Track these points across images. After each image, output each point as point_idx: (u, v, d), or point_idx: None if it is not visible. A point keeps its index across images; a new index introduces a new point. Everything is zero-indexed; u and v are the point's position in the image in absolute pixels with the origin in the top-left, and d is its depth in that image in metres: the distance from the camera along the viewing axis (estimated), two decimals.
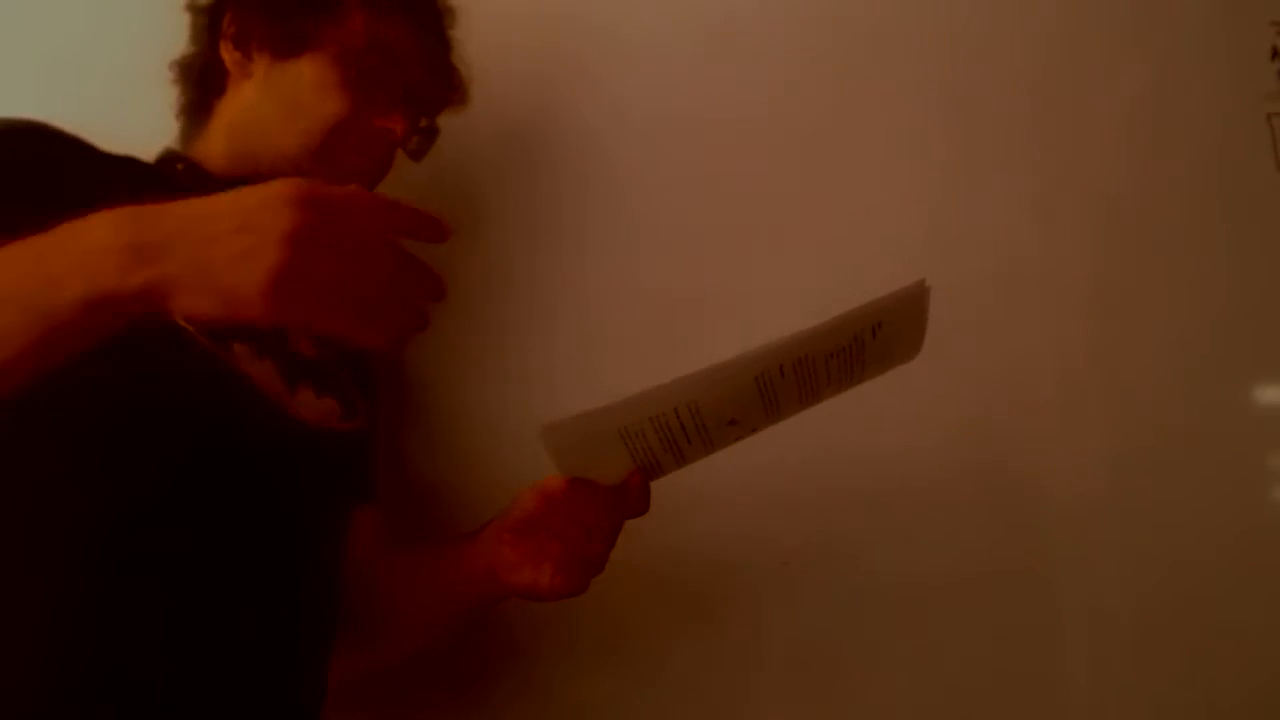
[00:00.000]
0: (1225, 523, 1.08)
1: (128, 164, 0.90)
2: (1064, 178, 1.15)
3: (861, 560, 1.09)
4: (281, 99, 0.94)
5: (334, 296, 0.58)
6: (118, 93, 1.14)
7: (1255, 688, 1.04)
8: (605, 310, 1.16)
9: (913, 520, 1.09)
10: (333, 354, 0.95)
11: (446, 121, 1.05)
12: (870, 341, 0.77)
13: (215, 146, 0.97)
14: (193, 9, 1.01)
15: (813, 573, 1.09)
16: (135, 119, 0.98)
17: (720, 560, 1.11)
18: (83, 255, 0.59)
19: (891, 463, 1.10)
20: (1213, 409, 1.09)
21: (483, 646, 1.09)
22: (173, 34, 1.02)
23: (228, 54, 0.97)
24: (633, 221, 1.18)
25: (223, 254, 0.57)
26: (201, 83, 1.00)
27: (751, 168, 1.18)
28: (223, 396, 0.81)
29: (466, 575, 0.89)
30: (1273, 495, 1.09)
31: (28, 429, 0.72)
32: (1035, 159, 1.16)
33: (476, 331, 1.17)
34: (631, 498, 0.81)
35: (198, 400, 0.80)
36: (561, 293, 1.17)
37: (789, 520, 1.09)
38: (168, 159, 0.98)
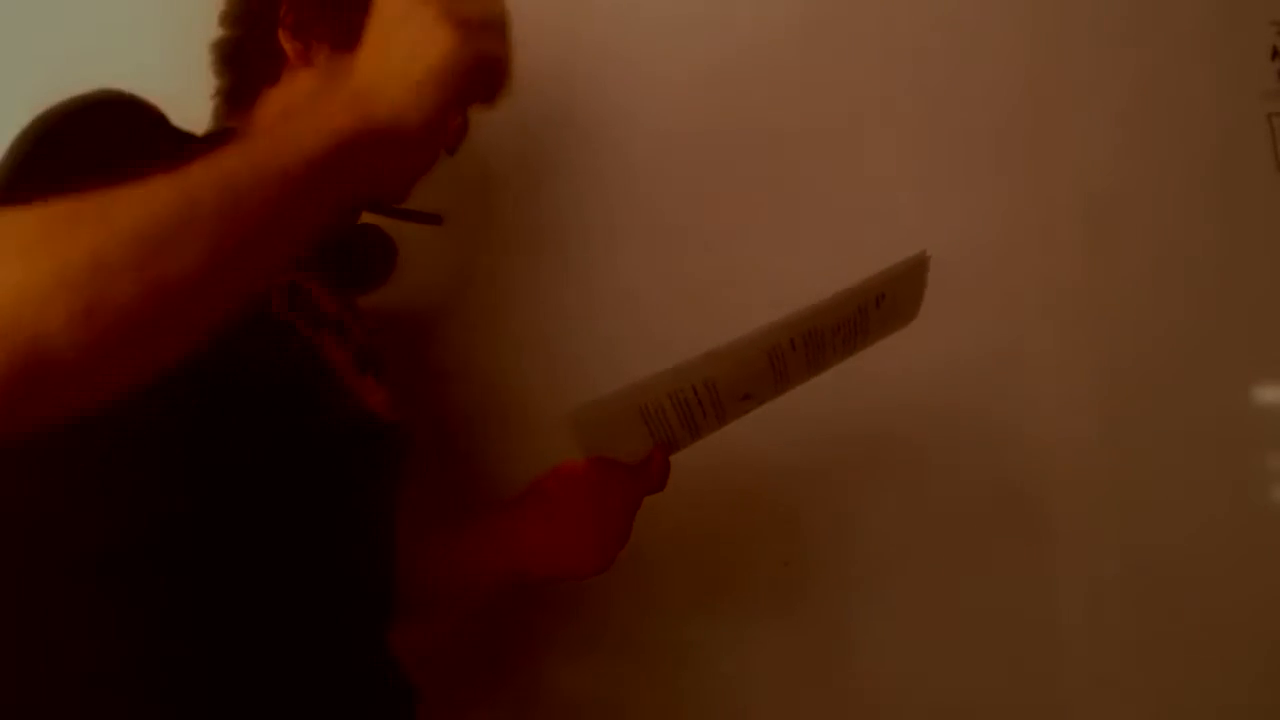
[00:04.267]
0: (1222, 521, 1.08)
1: (196, 141, 0.87)
2: (1063, 177, 1.15)
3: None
4: None
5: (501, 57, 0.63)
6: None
7: (1253, 681, 1.05)
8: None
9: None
10: (377, 345, 0.96)
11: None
12: (874, 311, 0.82)
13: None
14: None
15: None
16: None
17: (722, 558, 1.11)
18: (311, 117, 0.61)
19: (891, 465, 1.10)
20: (1212, 409, 1.10)
21: (480, 640, 1.09)
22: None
23: (288, 43, 0.93)
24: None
25: (400, 53, 0.61)
26: (249, 68, 0.96)
27: (750, 169, 1.18)
28: (318, 386, 0.81)
29: (489, 561, 0.91)
30: (1271, 494, 1.09)
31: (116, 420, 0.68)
32: (1034, 158, 1.16)
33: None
34: (654, 474, 0.84)
35: (295, 388, 0.79)
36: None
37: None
38: (221, 138, 0.95)
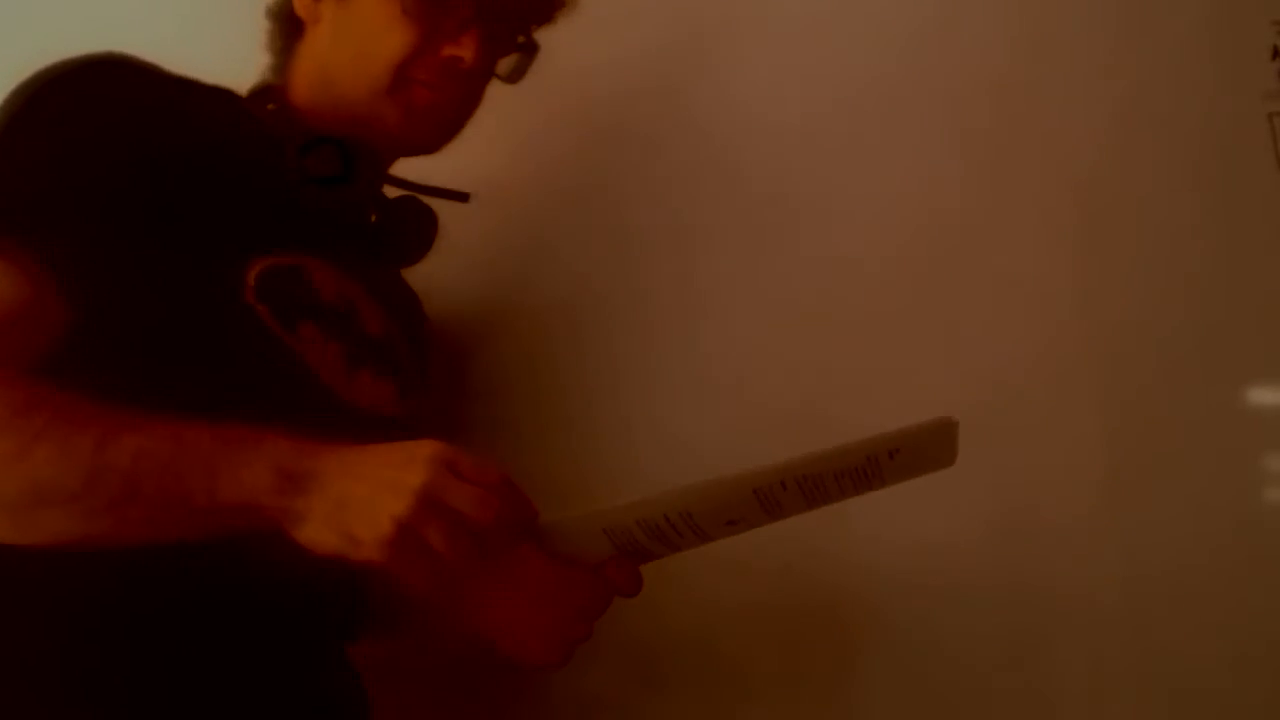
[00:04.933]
0: (1221, 523, 1.08)
1: (218, 98, 0.89)
2: (1062, 177, 1.15)
3: None
4: (349, 42, 0.91)
5: (438, 562, 0.63)
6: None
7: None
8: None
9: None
10: (398, 330, 0.94)
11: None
12: (887, 461, 0.76)
13: (300, 90, 0.95)
14: None
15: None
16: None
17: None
18: (244, 468, 0.65)
19: None
20: (1212, 409, 1.09)
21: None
22: None
23: (298, 0, 0.94)
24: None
25: (357, 496, 0.63)
26: (284, 25, 0.98)
27: (751, 167, 1.18)
28: (279, 383, 0.80)
29: (458, 618, 0.87)
30: (1269, 496, 1.09)
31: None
32: (1032, 158, 1.16)
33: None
34: (619, 583, 0.80)
35: (251, 385, 0.78)
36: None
37: None
38: (260, 95, 0.95)
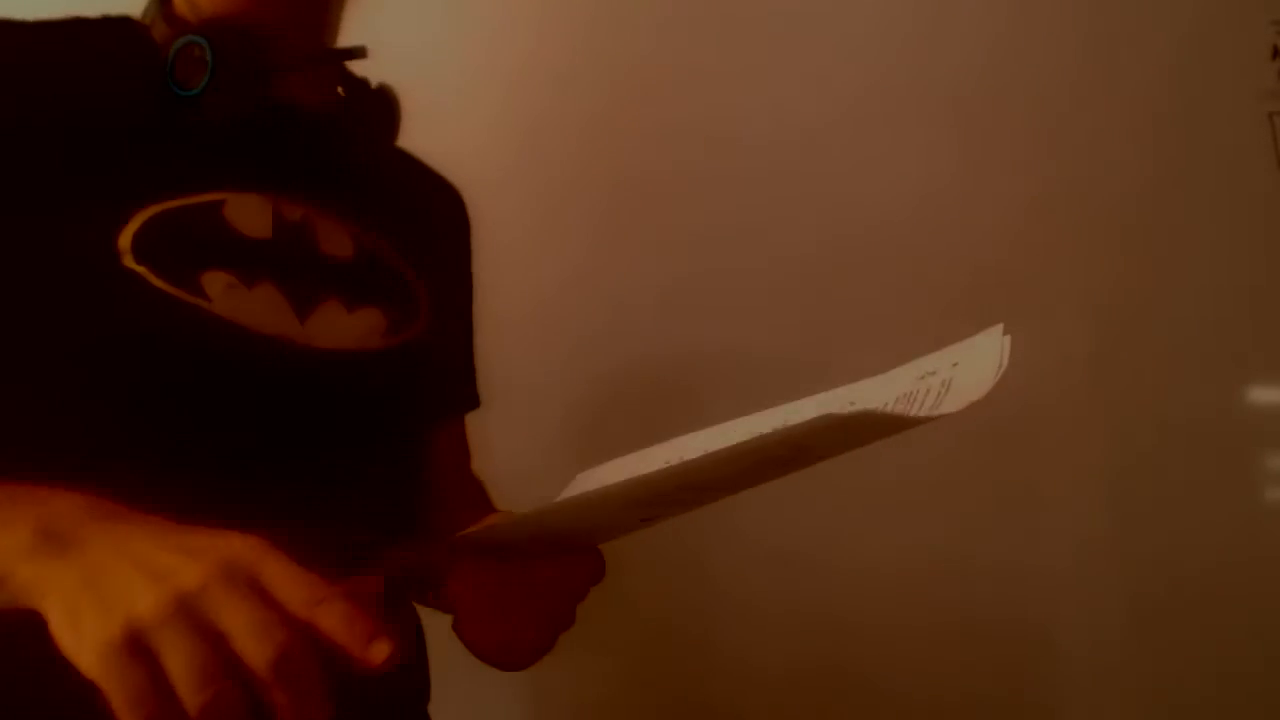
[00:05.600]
0: (1220, 521, 1.08)
1: (106, 32, 0.74)
2: (1064, 177, 1.15)
3: None
4: None
5: (163, 701, 0.44)
6: None
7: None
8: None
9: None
10: (385, 246, 0.77)
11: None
12: (805, 451, 0.61)
13: None
14: None
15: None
16: None
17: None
18: (3, 528, 0.51)
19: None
20: (1212, 407, 1.09)
21: None
22: None
23: None
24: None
25: (109, 576, 0.47)
26: None
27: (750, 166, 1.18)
28: (180, 358, 0.65)
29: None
30: (1271, 494, 1.09)
31: None
32: (1035, 158, 1.16)
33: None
34: (580, 576, 0.69)
35: (141, 370, 0.64)
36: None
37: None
38: (152, 8, 0.78)
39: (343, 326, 0.72)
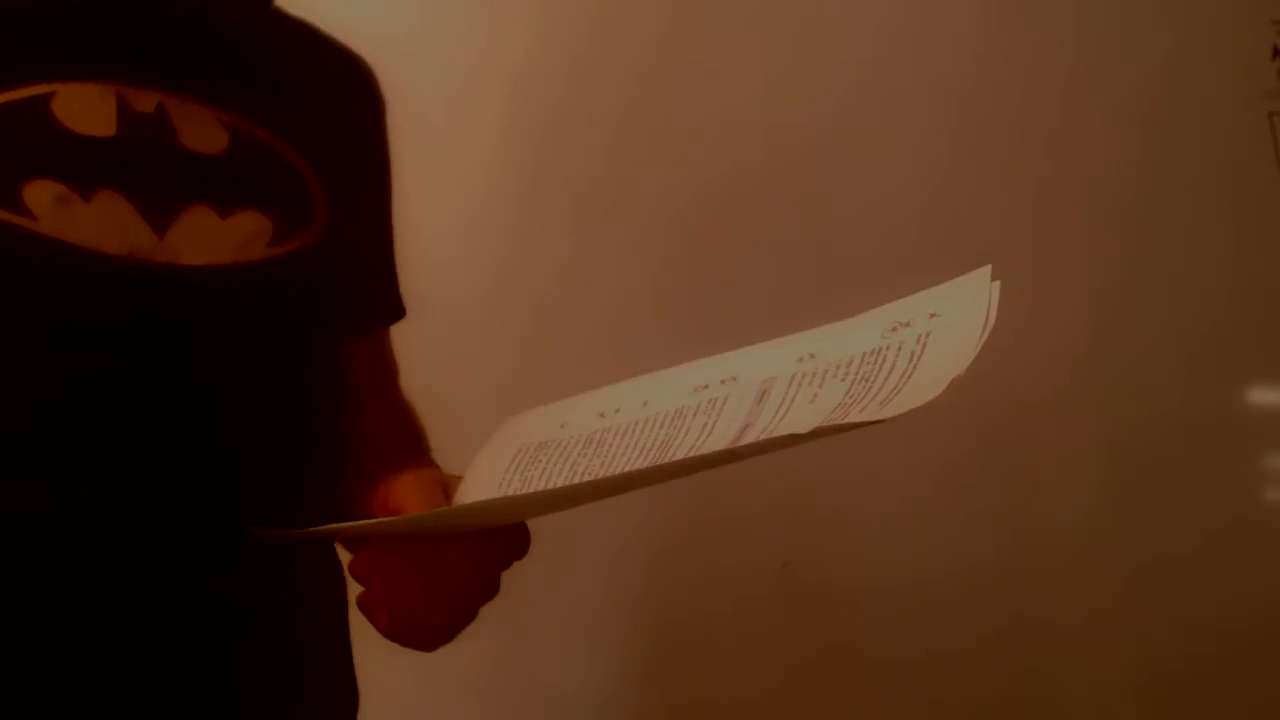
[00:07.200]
0: (1220, 520, 1.08)
1: None
2: (1065, 175, 1.15)
3: None
4: None
5: None
6: None
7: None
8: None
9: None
10: (268, 134, 0.65)
11: None
12: (739, 458, 0.55)
13: None
14: None
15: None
16: None
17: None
18: None
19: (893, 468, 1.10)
20: (1212, 406, 1.09)
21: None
22: None
23: None
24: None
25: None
26: None
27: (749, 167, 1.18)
28: (3, 283, 0.55)
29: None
30: (1271, 494, 1.09)
31: None
32: (1036, 157, 1.16)
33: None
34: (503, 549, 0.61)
35: None
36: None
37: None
38: None
39: (215, 237, 0.60)
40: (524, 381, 1.15)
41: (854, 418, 0.47)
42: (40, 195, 0.54)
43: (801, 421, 0.51)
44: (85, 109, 0.58)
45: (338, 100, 0.72)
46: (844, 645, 1.07)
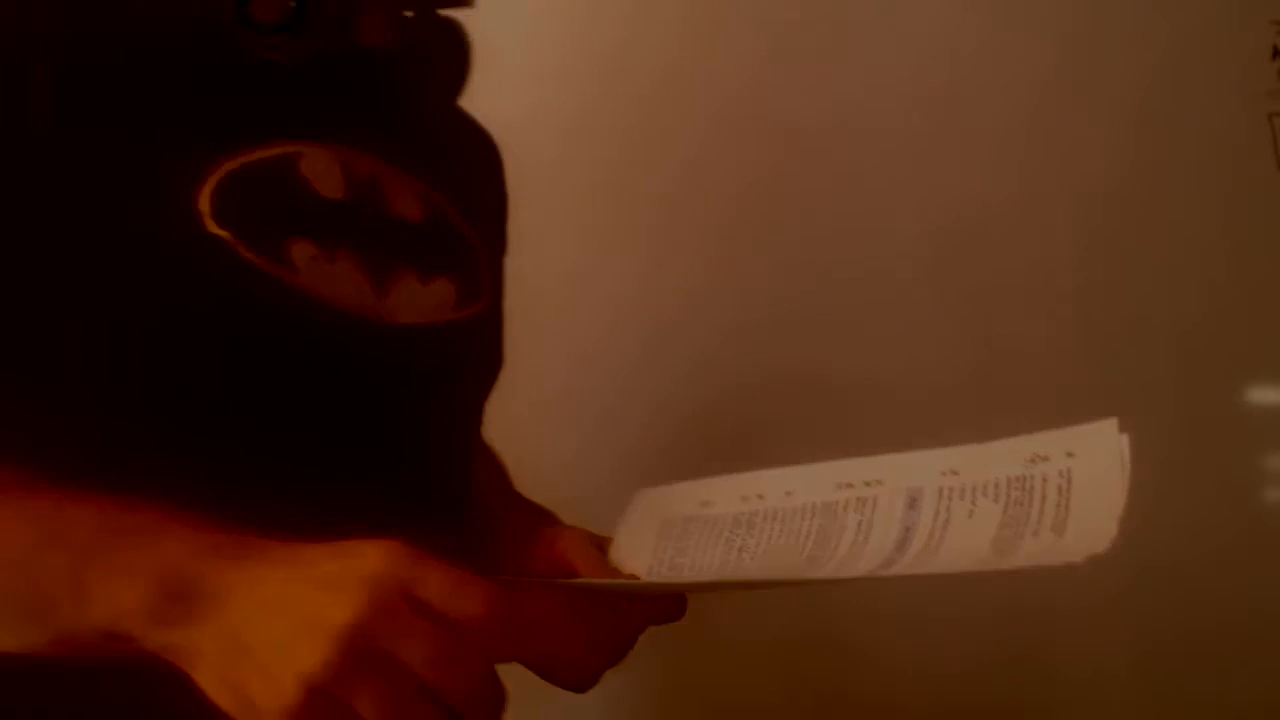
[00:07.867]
0: (1220, 521, 1.08)
1: None
2: (1063, 176, 1.15)
3: None
4: None
5: None
6: None
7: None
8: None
9: None
10: (450, 204, 0.69)
11: None
12: None
13: None
14: None
15: None
16: None
17: None
18: (122, 575, 0.47)
19: None
20: (1212, 409, 1.09)
21: None
22: None
23: None
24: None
25: (261, 636, 0.44)
26: None
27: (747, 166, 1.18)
28: (273, 346, 0.58)
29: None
30: (1271, 494, 1.09)
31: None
32: (1034, 157, 1.16)
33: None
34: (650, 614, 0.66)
35: (232, 361, 0.57)
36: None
37: None
38: None
39: (419, 299, 0.64)
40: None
41: (1052, 560, 0.53)
42: (302, 252, 0.57)
43: (962, 531, 0.56)
44: (325, 171, 0.60)
45: (487, 177, 0.79)
46: (845, 674, 1.08)
